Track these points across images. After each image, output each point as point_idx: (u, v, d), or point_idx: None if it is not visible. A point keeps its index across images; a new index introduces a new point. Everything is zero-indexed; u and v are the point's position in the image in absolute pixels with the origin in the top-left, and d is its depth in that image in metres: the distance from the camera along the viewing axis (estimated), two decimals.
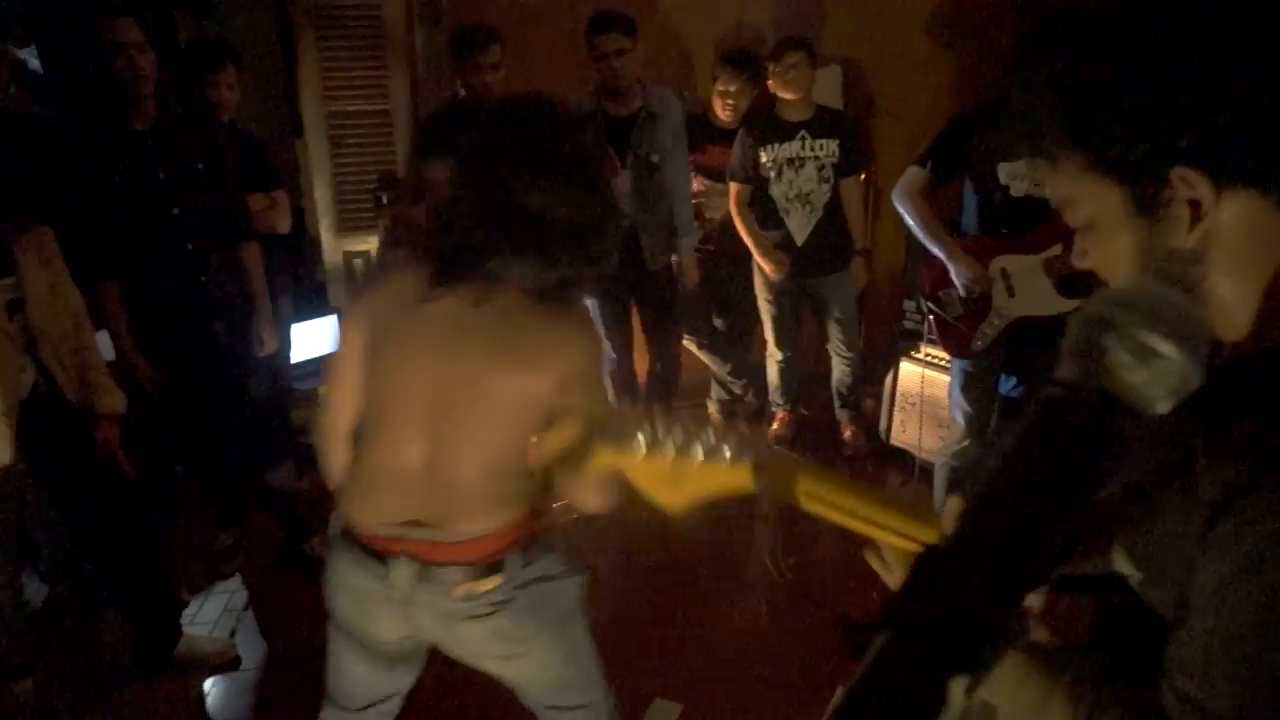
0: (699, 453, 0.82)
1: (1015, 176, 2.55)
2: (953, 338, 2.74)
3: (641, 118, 3.19)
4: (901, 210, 2.73)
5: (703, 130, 3.60)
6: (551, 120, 1.36)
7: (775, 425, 3.87)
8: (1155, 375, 0.62)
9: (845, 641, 0.77)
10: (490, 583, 1.43)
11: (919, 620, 0.58)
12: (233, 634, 2.76)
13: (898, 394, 3.62)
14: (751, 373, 3.91)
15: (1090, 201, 0.71)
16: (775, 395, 3.85)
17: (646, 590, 2.93)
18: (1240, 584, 0.61)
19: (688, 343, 3.74)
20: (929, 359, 3.44)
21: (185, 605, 2.86)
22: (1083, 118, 0.67)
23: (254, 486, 3.09)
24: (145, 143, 2.63)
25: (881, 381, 3.72)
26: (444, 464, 1.40)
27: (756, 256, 3.49)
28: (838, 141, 3.41)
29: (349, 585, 1.49)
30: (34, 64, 3.48)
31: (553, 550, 1.53)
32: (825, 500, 0.87)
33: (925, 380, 3.43)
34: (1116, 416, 0.63)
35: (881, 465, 3.68)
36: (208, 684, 2.58)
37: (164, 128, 2.67)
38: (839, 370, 3.72)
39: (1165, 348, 0.61)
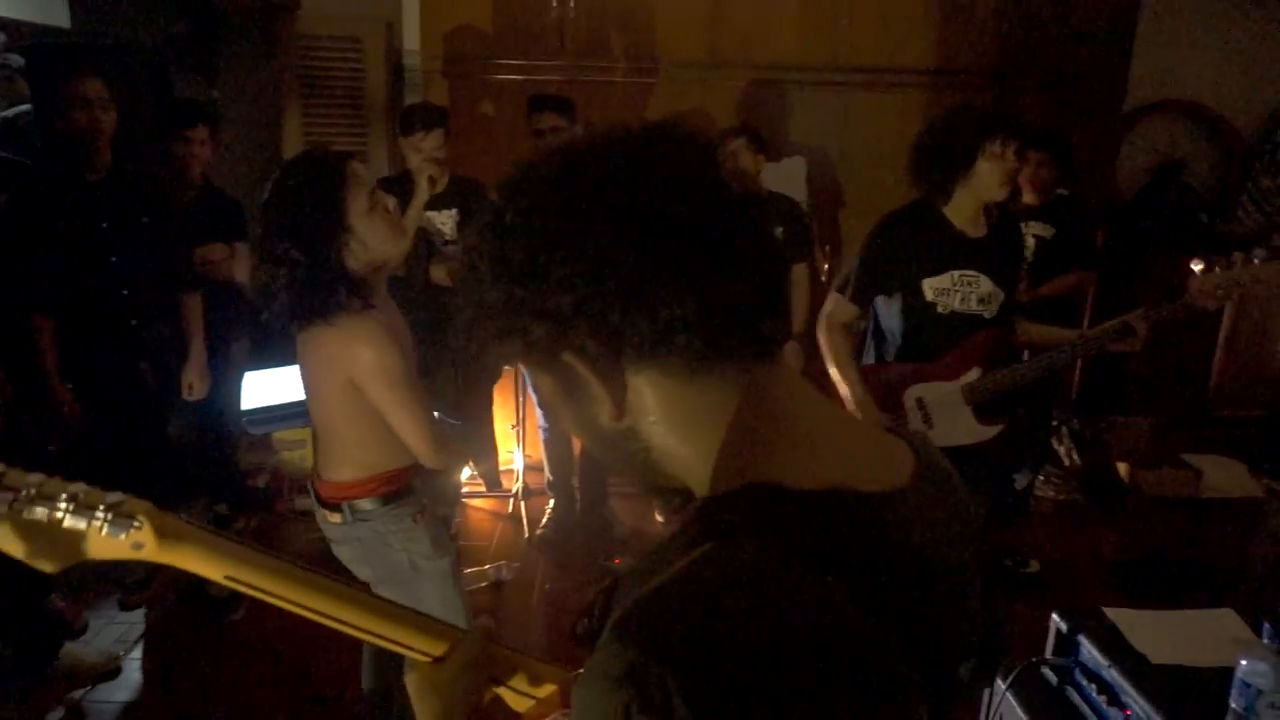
0: (61, 515, 0.79)
1: (944, 293, 2.45)
2: None
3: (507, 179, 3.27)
4: (820, 341, 2.56)
5: None
6: None
7: None
8: None
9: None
10: (334, 518, 1.89)
11: None
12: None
13: None
14: None
15: (540, 385, 0.70)
16: None
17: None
18: None
19: None
20: None
21: (83, 631, 2.96)
22: (483, 319, 0.67)
23: None
24: (94, 193, 2.83)
25: None
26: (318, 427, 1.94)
27: None
28: (781, 229, 3.42)
29: None
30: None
31: (400, 521, 1.88)
32: (259, 589, 0.87)
33: None
34: None
35: None
36: (86, 692, 2.70)
37: (115, 180, 2.87)
38: None
39: None
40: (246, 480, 3.93)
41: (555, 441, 3.67)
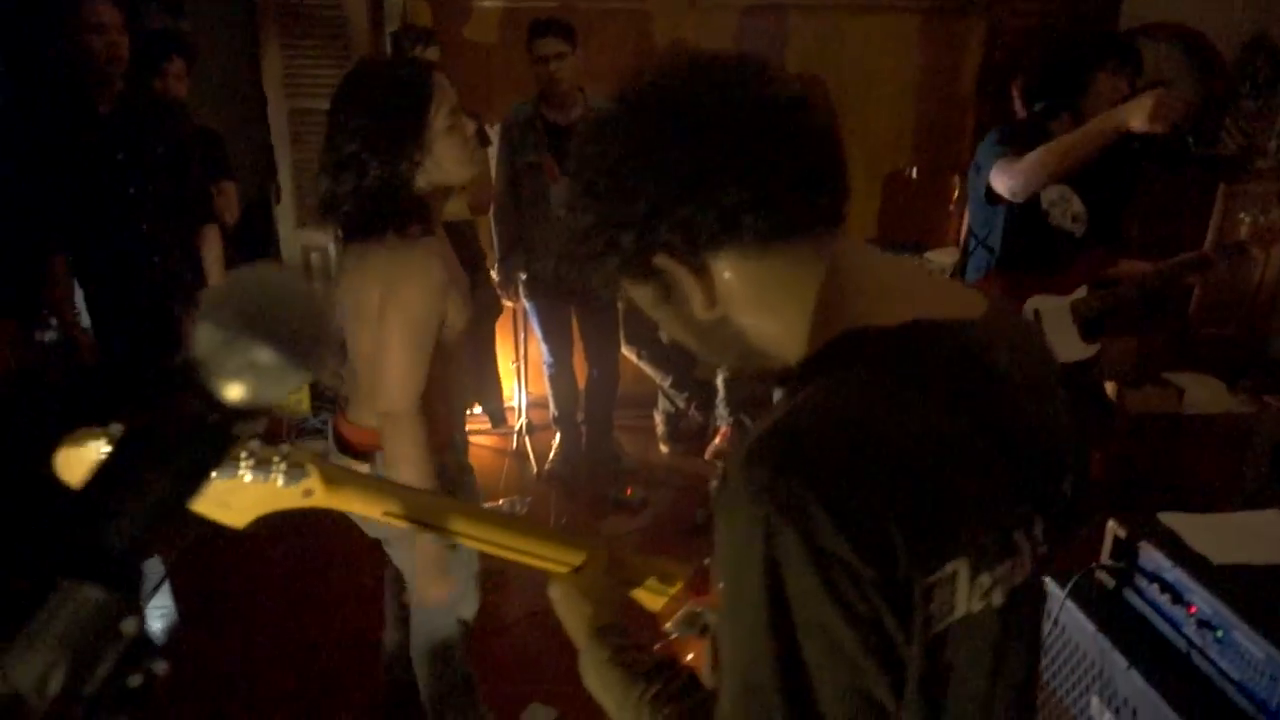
0: (244, 472, 0.83)
1: (1054, 204, 2.49)
2: None
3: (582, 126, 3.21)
4: (1040, 171, 2.30)
5: None
6: None
7: (718, 439, 3.85)
8: (259, 384, 0.54)
9: None
10: (361, 468, 1.69)
11: None
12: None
13: None
14: (698, 386, 3.89)
15: (638, 297, 0.78)
16: (721, 408, 3.83)
17: (521, 595, 2.86)
18: (720, 579, 0.66)
19: (627, 351, 3.74)
20: None
21: None
22: (579, 238, 0.75)
23: None
24: (107, 124, 2.69)
25: None
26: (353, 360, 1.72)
27: None
28: None
29: None
30: None
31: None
32: (413, 520, 0.90)
33: None
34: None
35: None
36: None
37: (127, 111, 2.72)
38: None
39: (263, 355, 0.54)
40: None
41: (560, 377, 3.66)
